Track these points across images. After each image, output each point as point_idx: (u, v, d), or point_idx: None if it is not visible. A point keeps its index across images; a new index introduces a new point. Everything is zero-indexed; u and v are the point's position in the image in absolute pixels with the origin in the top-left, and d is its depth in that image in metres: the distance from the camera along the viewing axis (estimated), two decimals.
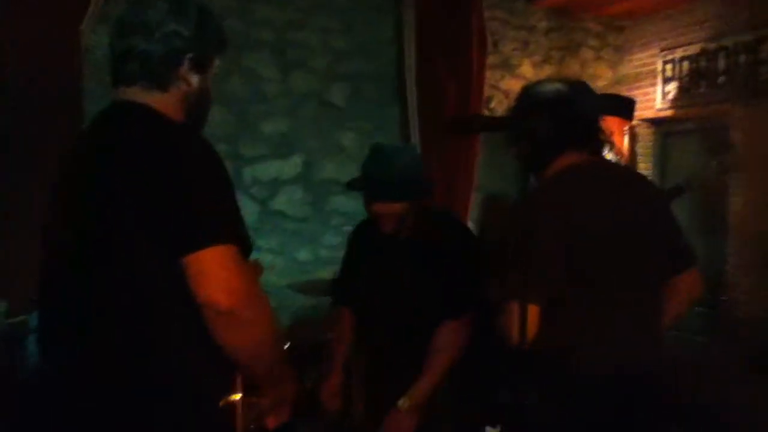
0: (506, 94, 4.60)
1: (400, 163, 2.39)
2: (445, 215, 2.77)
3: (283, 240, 4.20)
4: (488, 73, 4.38)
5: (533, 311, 1.82)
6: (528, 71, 4.63)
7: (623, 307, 2.00)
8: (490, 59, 4.41)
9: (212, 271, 1.34)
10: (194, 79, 1.53)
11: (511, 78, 4.58)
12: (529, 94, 2.13)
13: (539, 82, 2.18)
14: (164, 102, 1.50)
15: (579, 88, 2.11)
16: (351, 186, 2.49)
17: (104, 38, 3.55)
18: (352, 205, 4.24)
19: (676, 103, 4.50)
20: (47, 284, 1.55)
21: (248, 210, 4.11)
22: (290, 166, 4.20)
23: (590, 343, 1.95)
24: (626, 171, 2.68)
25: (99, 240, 1.40)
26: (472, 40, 4.22)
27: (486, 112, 4.45)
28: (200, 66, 1.54)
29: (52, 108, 3.13)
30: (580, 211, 1.95)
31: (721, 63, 4.21)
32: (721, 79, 4.20)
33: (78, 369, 1.45)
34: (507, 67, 4.58)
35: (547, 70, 4.66)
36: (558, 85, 2.09)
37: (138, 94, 1.49)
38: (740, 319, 4.02)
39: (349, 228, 4.05)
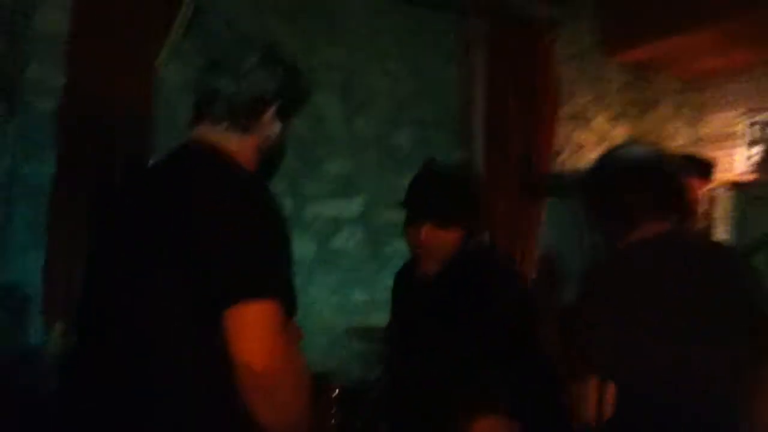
0: (578, 147, 4.50)
1: (459, 180, 2.05)
2: (500, 260, 2.36)
3: (340, 279, 4.21)
4: (560, 125, 4.29)
5: (611, 388, 1.68)
6: (602, 125, 4.51)
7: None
8: (563, 110, 4.33)
9: (252, 326, 1.28)
10: (276, 128, 1.54)
11: (583, 131, 4.47)
12: (612, 157, 1.95)
13: (620, 146, 2.06)
14: (242, 146, 1.49)
15: (661, 153, 1.95)
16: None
17: (175, 74, 3.74)
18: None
19: (761, 167, 4.27)
20: (85, 316, 1.54)
21: (307, 247, 4.15)
22: (352, 207, 4.22)
23: None
24: (706, 245, 2.19)
25: (142, 280, 1.37)
26: (544, 88, 4.16)
27: (556, 166, 4.35)
28: (283, 115, 1.55)
29: (125, 141, 3.25)
30: (635, 294, 1.78)
31: None
32: None
33: (100, 409, 1.40)
34: (580, 119, 4.47)
35: (623, 126, 4.53)
36: (644, 149, 1.96)
37: (218, 134, 1.49)
38: None
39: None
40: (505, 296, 2.01)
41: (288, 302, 1.36)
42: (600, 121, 4.51)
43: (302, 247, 4.15)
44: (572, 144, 4.48)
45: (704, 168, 4.47)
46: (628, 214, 1.85)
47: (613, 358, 1.73)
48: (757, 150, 4.28)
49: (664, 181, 1.87)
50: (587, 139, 4.49)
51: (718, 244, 2.39)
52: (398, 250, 4.24)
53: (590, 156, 4.52)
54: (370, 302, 4.22)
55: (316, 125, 4.10)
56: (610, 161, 1.94)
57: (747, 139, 4.33)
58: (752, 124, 4.32)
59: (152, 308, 1.35)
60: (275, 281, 1.33)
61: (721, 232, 4.52)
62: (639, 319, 1.73)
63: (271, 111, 1.51)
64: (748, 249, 2.73)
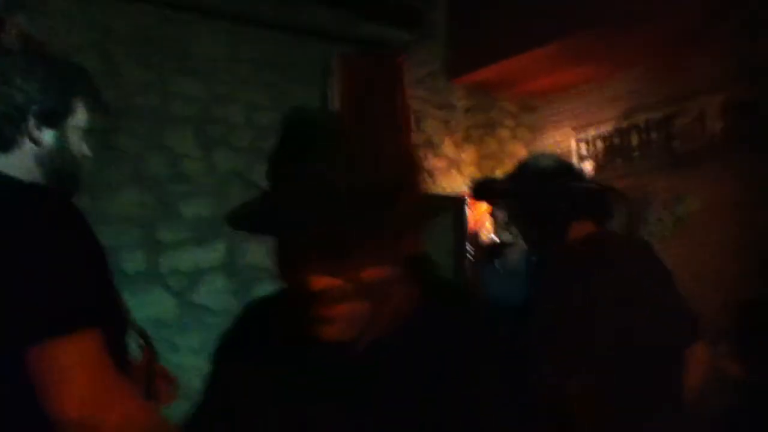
0: (430, 173, 4.50)
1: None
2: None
3: (206, 336, 3.71)
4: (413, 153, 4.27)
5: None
6: (450, 150, 4.57)
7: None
8: (414, 138, 4.32)
9: (62, 370, 1.11)
10: (45, 137, 1.34)
11: (434, 157, 4.50)
12: (531, 165, 2.10)
13: (535, 156, 2.26)
14: (9, 166, 1.32)
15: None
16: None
17: None
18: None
19: (593, 179, 4.59)
20: None
21: (165, 305, 3.63)
22: (212, 253, 3.78)
23: None
24: (631, 242, 2.56)
25: None
26: (397, 117, 4.12)
27: None
28: (51, 120, 1.35)
29: None
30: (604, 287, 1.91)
31: (635, 139, 4.38)
32: (636, 153, 4.36)
33: None
34: (430, 146, 4.50)
35: (468, 149, 4.63)
36: (555, 158, 2.18)
37: None
38: None
39: None
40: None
41: (111, 321, 1.21)
42: (448, 147, 4.57)
43: (159, 305, 3.62)
44: (426, 170, 4.48)
45: None
46: (558, 220, 2.01)
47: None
48: (587, 164, 4.61)
49: (585, 186, 2.10)
50: (438, 164, 4.53)
51: (640, 241, 2.64)
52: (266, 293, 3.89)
53: (442, 182, 4.57)
54: None
55: (170, 163, 3.63)
56: (528, 168, 2.09)
57: (577, 154, 4.64)
58: (580, 141, 4.65)
59: None
60: (83, 304, 1.18)
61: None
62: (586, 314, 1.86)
63: (31, 120, 1.34)
64: None
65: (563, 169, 2.08)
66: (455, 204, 4.36)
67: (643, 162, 4.31)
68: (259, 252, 3.85)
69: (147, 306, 3.56)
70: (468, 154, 4.63)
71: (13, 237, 1.17)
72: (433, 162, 4.50)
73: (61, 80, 1.37)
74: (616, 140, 4.48)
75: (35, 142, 1.34)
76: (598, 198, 2.10)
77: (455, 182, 4.53)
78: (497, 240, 4.14)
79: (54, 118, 1.36)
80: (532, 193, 2.03)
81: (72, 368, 1.12)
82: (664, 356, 1.94)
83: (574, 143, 4.70)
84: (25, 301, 1.14)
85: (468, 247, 4.41)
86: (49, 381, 1.11)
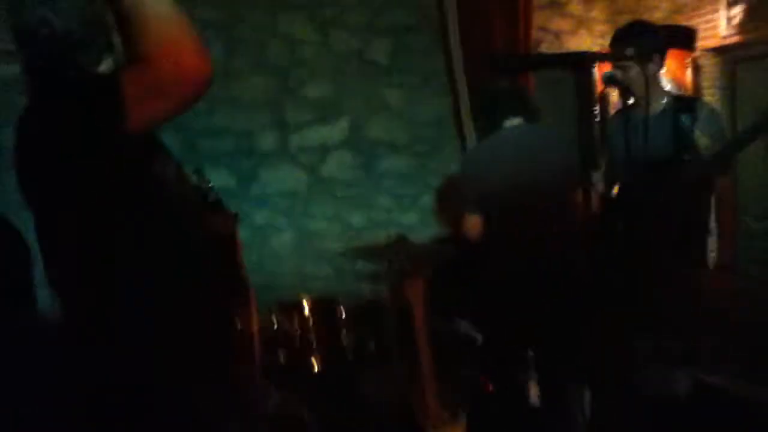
0: (556, 35, 4.36)
1: None
2: None
3: (335, 206, 4.08)
4: (536, 14, 4.13)
5: None
6: (578, 9, 4.36)
7: None
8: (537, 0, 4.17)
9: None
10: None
11: (560, 18, 4.32)
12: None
13: None
14: None
15: None
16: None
17: None
18: (403, 165, 4.09)
19: (743, 27, 4.17)
20: None
21: (297, 179, 4.01)
22: (337, 131, 4.06)
23: None
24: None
25: None
26: None
27: None
28: None
29: None
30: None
31: None
32: None
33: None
34: (555, 5, 4.32)
35: (599, 6, 4.39)
36: None
37: None
38: None
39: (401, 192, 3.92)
40: None
41: None
42: (574, 6, 4.36)
43: (292, 180, 4.01)
44: (550, 33, 4.34)
45: (687, 38, 4.38)
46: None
47: None
48: (737, 10, 4.18)
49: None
50: (565, 26, 4.35)
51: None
52: (389, 168, 4.14)
53: (569, 43, 4.40)
54: (369, 225, 4.11)
55: (288, 49, 3.90)
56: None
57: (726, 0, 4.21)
58: None
59: None
60: None
61: (710, 101, 4.46)
62: None
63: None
64: (751, 131, 2.62)
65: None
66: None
67: None
68: (378, 128, 4.08)
69: (281, 181, 3.98)
70: (599, 11, 4.39)
71: None
72: (559, 23, 4.34)
73: None
74: None
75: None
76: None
77: (584, 43, 4.35)
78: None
79: None
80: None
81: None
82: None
83: None
84: None
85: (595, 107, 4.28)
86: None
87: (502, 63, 2.26)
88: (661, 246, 2.62)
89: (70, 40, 1.35)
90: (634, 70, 2.73)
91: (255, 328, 1.67)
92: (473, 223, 2.98)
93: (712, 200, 2.83)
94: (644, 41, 2.75)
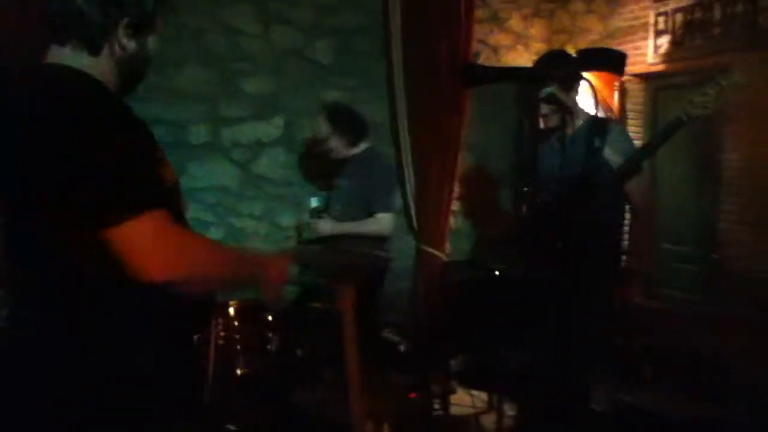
0: (494, 49, 4.44)
1: None
2: None
3: (266, 205, 4.02)
4: (476, 28, 4.19)
5: None
6: (517, 25, 4.45)
7: None
8: (478, 13, 4.23)
9: (136, 246, 1.30)
10: (130, 44, 1.49)
11: (500, 32, 4.41)
12: None
13: None
14: (94, 65, 1.45)
15: None
16: None
17: None
18: None
19: (668, 56, 4.37)
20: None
21: (228, 174, 3.93)
22: (273, 128, 4.00)
23: None
24: None
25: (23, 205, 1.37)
26: None
27: None
28: (137, 31, 1.49)
29: None
30: None
31: (717, 13, 4.09)
32: (717, 30, 4.08)
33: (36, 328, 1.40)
34: (495, 20, 4.40)
35: (538, 24, 4.50)
36: None
37: (68, 56, 1.45)
38: (735, 276, 3.96)
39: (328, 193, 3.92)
40: None
41: (163, 205, 1.36)
42: (515, 21, 4.45)
43: (223, 175, 3.93)
44: (488, 46, 4.42)
45: (617, 62, 4.55)
46: None
47: None
48: (663, 40, 4.37)
49: None
50: (503, 41, 4.44)
51: None
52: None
53: (506, 58, 4.49)
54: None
55: (230, 41, 3.80)
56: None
57: (655, 29, 4.40)
58: (659, 14, 4.39)
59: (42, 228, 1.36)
60: (144, 191, 1.35)
61: (633, 125, 4.65)
62: None
63: (121, 30, 1.46)
64: (657, 140, 2.79)
65: None
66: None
67: (724, 40, 4.04)
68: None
69: (212, 175, 3.89)
70: (537, 30, 4.50)
71: (85, 129, 1.31)
72: (498, 38, 4.42)
73: None
74: (698, 14, 4.20)
75: (122, 48, 1.46)
76: None
77: (521, 58, 4.45)
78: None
79: (141, 30, 1.48)
80: None
81: (154, 239, 1.30)
82: None
83: (652, 16, 4.44)
84: (106, 186, 1.29)
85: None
86: (131, 257, 1.29)
87: (478, 72, 2.24)
88: (576, 263, 2.71)
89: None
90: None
91: (213, 342, 1.65)
92: None
93: (628, 216, 2.98)
94: (564, 70, 2.86)
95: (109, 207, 1.29)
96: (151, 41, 1.53)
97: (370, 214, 3.31)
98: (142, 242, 1.30)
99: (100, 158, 1.30)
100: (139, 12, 1.47)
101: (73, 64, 1.42)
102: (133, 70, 1.51)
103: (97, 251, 1.30)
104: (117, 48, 1.46)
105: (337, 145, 3.40)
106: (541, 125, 2.89)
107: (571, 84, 2.87)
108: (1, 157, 1.37)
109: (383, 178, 3.42)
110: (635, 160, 2.76)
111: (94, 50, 1.44)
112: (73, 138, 1.30)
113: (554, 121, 2.88)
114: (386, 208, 3.33)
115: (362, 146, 3.43)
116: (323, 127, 3.41)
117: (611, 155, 2.80)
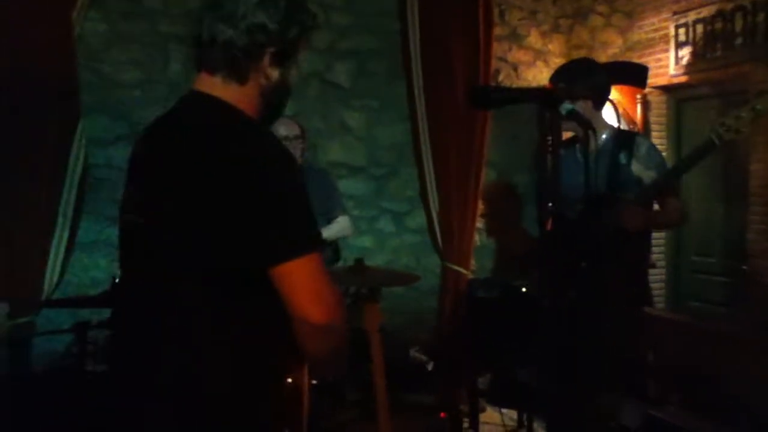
0: (514, 66, 4.45)
1: None
2: None
3: None
4: (495, 45, 4.21)
5: None
6: (536, 42, 4.46)
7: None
8: (497, 31, 4.24)
9: (304, 282, 1.32)
10: (274, 74, 1.47)
11: (519, 49, 4.42)
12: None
13: None
14: (241, 95, 1.45)
15: None
16: None
17: (98, 24, 3.41)
18: (360, 187, 4.10)
19: (690, 68, 4.35)
20: (125, 281, 1.55)
21: None
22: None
23: None
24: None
25: (174, 240, 1.37)
26: (477, 10, 4.05)
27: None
28: (282, 60, 1.47)
29: (47, 100, 2.98)
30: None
31: (738, 24, 4.06)
32: (739, 40, 4.06)
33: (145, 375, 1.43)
34: (514, 37, 4.41)
35: (557, 40, 4.50)
36: None
37: (216, 86, 1.45)
38: (764, 287, 3.90)
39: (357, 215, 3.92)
40: None
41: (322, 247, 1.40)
42: (534, 38, 4.47)
43: None
44: (508, 64, 4.43)
45: (638, 75, 4.54)
46: None
47: None
48: (685, 51, 4.36)
49: None
50: (523, 57, 4.45)
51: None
52: (346, 191, 4.13)
53: (526, 74, 4.50)
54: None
55: None
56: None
57: (675, 41, 4.39)
58: (679, 26, 4.38)
59: (190, 268, 1.36)
60: (312, 231, 1.36)
61: (657, 137, 4.63)
62: None
63: (267, 58, 1.44)
64: (688, 162, 2.74)
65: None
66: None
67: (745, 50, 4.02)
68: (336, 149, 4.07)
69: None
70: (556, 45, 4.51)
71: (270, 171, 1.32)
72: (517, 55, 4.43)
73: (296, 25, 1.46)
74: (719, 25, 4.18)
75: (267, 77, 1.45)
76: None
77: (541, 75, 4.46)
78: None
79: (285, 60, 1.46)
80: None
81: (318, 279, 1.31)
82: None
83: (672, 29, 4.42)
84: (281, 222, 1.30)
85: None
86: (298, 293, 1.30)
87: (484, 93, 2.23)
88: (599, 282, 2.68)
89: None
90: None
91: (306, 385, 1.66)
92: None
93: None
94: (589, 79, 2.82)
95: (286, 241, 1.30)
96: (294, 72, 1.51)
97: (329, 221, 3.43)
98: (314, 278, 1.31)
99: (284, 194, 1.32)
100: (284, 41, 1.45)
101: (224, 95, 1.43)
102: (275, 101, 1.50)
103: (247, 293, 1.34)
104: (262, 78, 1.45)
105: None
106: (563, 141, 2.86)
107: (593, 94, 2.81)
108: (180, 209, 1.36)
109: (327, 184, 3.54)
110: (664, 182, 2.73)
111: (243, 80, 1.44)
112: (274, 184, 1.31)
113: (576, 136, 2.86)
114: (343, 211, 3.51)
115: None
116: None
117: (642, 171, 2.77)
